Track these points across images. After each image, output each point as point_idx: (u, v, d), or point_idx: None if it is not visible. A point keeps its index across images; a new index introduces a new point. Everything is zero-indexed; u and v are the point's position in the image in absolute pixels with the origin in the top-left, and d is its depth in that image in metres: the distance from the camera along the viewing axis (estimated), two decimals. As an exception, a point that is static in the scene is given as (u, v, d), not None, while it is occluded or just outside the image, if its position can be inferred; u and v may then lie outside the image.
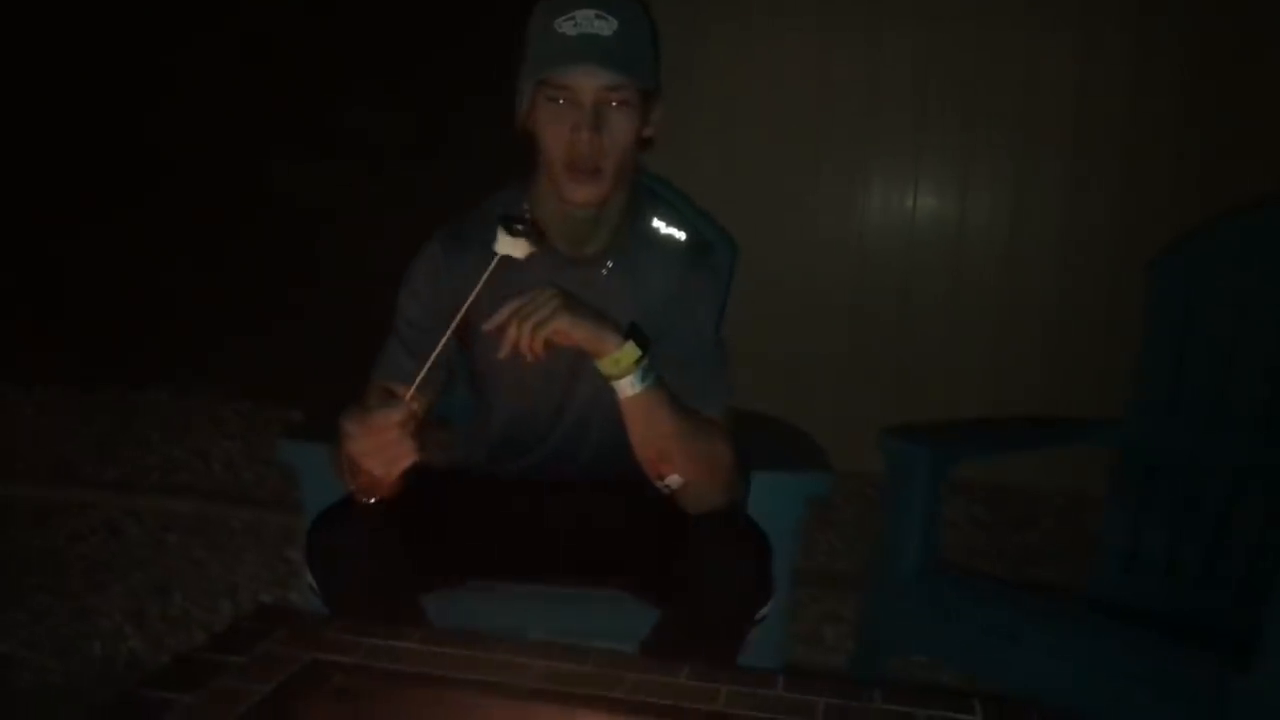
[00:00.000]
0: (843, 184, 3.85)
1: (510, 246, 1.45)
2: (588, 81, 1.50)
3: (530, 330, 1.41)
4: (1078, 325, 3.74)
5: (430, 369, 1.45)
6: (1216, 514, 2.07)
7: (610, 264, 1.67)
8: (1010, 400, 3.69)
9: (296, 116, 4.03)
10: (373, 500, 1.54)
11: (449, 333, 1.45)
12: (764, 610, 1.52)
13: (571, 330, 1.43)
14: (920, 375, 3.84)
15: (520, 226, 1.45)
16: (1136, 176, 3.65)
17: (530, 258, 1.48)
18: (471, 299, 1.44)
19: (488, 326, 1.46)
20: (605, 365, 1.47)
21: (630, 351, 1.46)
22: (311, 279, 4.09)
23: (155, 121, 4.11)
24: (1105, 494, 2.28)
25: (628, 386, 1.47)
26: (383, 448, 1.38)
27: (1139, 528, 2.17)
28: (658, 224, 1.70)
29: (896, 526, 2.07)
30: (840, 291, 3.88)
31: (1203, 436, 2.14)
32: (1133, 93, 3.63)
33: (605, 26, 1.49)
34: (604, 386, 1.50)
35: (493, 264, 1.44)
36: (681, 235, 1.71)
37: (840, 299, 3.88)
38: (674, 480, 1.54)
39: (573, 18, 1.49)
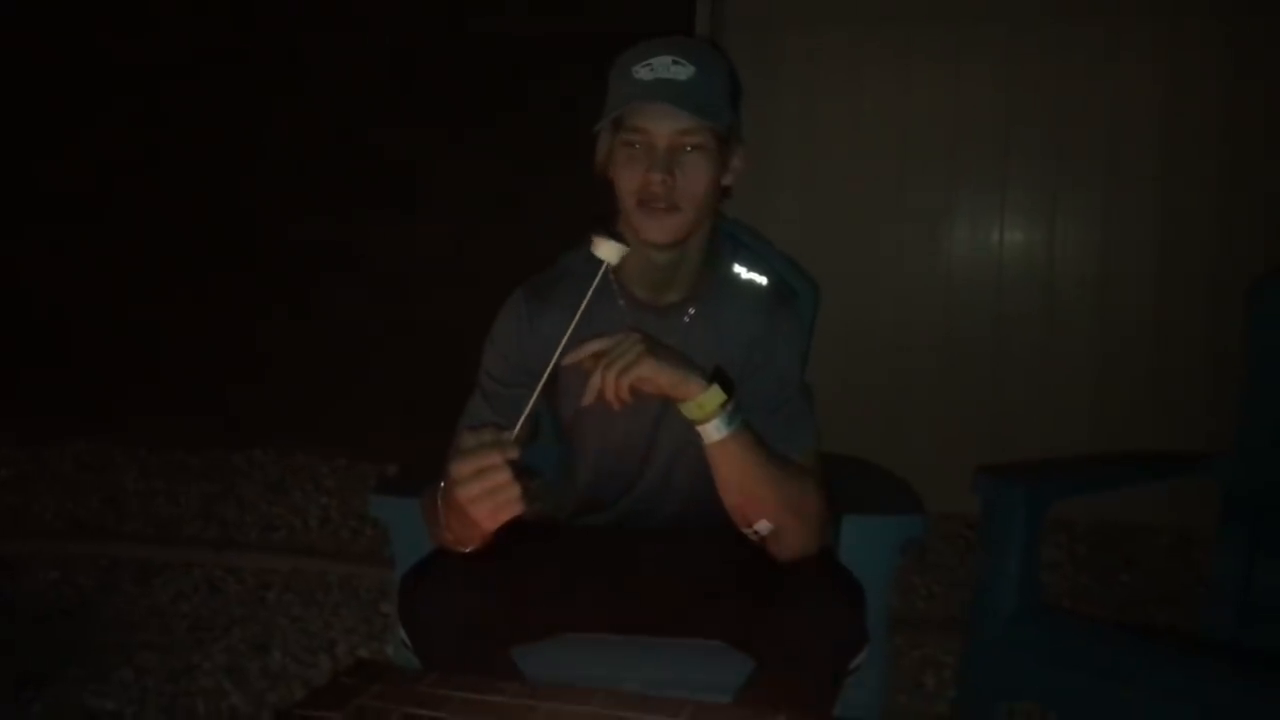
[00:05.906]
0: (928, 219, 3.80)
1: (609, 252, 1.43)
2: (661, 125, 1.51)
3: (615, 375, 1.40)
4: (1178, 356, 3.62)
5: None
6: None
7: (692, 311, 1.67)
8: (1111, 434, 3.59)
9: (381, 177, 4.12)
10: (465, 550, 1.52)
11: (540, 384, 1.41)
12: (858, 659, 1.49)
13: (656, 375, 1.42)
14: (1016, 412, 3.76)
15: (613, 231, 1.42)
16: (1230, 202, 3.55)
17: (612, 306, 1.48)
18: (572, 329, 1.41)
19: (569, 360, 1.45)
20: (690, 410, 1.45)
21: (715, 395, 1.44)
22: (402, 336, 4.16)
23: (245, 186, 4.25)
24: (1214, 531, 2.19)
25: (713, 431, 1.45)
26: (492, 491, 1.31)
27: (1251, 566, 2.07)
28: (738, 269, 1.70)
29: (993, 568, 2.00)
30: (930, 329, 3.82)
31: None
32: (1224, 116, 3.54)
33: (681, 72, 1.51)
34: (689, 433, 1.49)
35: (602, 270, 1.43)
36: (763, 280, 1.70)
37: (930, 336, 3.82)
38: (763, 526, 1.52)
39: (649, 64, 1.52)
